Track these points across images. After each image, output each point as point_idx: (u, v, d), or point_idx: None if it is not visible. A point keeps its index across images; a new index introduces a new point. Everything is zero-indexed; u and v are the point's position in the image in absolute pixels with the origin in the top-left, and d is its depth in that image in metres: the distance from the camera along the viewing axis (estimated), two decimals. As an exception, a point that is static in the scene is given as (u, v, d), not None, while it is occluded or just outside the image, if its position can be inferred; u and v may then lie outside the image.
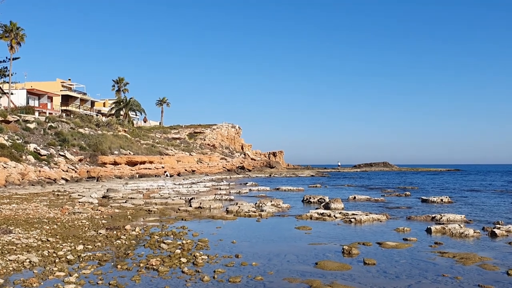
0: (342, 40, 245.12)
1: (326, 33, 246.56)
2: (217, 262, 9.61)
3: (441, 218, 16.95)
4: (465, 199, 27.73)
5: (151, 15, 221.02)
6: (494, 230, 13.92)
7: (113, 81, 76.59)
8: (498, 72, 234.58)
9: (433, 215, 17.61)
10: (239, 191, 30.82)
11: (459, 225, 14.64)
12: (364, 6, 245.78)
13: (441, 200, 25.08)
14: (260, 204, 20.74)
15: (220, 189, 33.43)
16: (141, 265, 9.16)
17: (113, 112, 72.59)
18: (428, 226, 14.66)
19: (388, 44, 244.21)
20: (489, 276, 8.83)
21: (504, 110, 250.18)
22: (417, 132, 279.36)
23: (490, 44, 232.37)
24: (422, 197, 26.63)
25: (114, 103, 74.69)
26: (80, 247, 10.60)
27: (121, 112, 71.95)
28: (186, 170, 57.67)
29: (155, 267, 8.98)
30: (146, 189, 32.07)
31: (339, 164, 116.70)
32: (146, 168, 49.12)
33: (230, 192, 29.76)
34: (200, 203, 20.76)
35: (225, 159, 75.43)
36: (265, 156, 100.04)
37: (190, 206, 20.71)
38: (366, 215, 17.28)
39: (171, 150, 62.06)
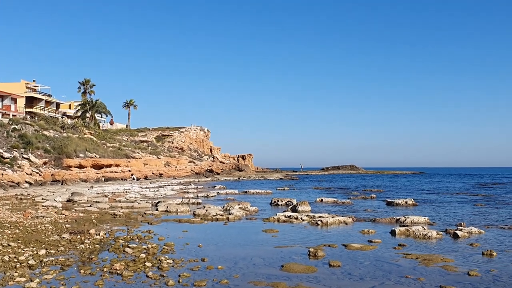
0: (311, 42, 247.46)
1: (296, 34, 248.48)
2: (183, 266, 9.53)
3: (405, 220, 17.24)
4: (429, 202, 28.28)
5: (117, 16, 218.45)
6: (456, 232, 14.23)
7: (79, 83, 75.45)
8: (464, 76, 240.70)
9: (398, 217, 17.91)
10: (207, 195, 30.68)
11: (423, 227, 14.92)
12: (325, 7, 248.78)
13: (406, 202, 25.52)
14: (228, 208, 20.70)
15: (187, 192, 33.25)
16: (105, 269, 9.01)
17: (79, 114, 71.41)
18: (393, 228, 14.88)
19: (356, 46, 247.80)
20: (450, 277, 9.01)
21: (469, 115, 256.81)
22: (383, 135, 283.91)
23: (454, 48, 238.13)
24: (387, 200, 27.04)
25: (80, 105, 73.44)
26: (43, 251, 10.36)
27: (87, 115, 70.80)
28: (153, 173, 57.06)
29: (119, 272, 8.85)
30: (112, 192, 31.59)
31: (302, 166, 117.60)
32: (112, 172, 48.40)
33: (197, 196, 29.60)
34: (167, 207, 20.58)
35: (194, 162, 75.02)
36: (234, 159, 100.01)
37: (157, 209, 20.50)
38: (333, 218, 17.44)
39: (138, 153, 61.36)
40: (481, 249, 11.85)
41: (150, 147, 70.93)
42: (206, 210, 19.28)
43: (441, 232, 14.46)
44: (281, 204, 24.41)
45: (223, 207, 21.03)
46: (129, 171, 51.33)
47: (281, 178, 73.66)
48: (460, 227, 15.45)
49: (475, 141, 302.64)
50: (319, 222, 16.69)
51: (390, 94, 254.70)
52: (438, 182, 62.92)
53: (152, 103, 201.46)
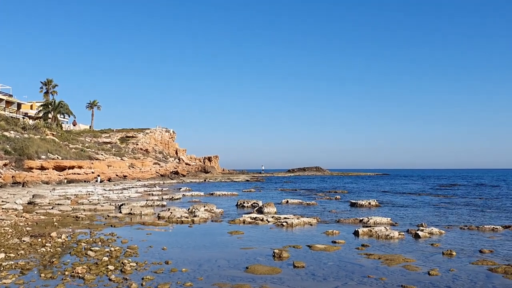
0: (275, 41, 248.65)
1: (262, 34, 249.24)
2: (146, 269, 9.42)
3: (369, 221, 17.52)
4: (391, 202, 28.78)
5: (81, 15, 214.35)
6: (418, 232, 14.55)
7: (41, 83, 73.72)
8: (426, 76, 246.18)
9: (361, 218, 18.20)
10: (172, 197, 30.43)
11: (385, 227, 15.19)
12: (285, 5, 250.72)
13: (369, 203, 25.93)
14: (193, 210, 20.58)
15: (152, 194, 32.89)
16: (66, 273, 8.83)
17: (40, 115, 69.67)
18: (356, 229, 15.10)
19: (317, 44, 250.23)
20: (411, 276, 9.20)
21: (429, 116, 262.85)
22: (348, 137, 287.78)
23: (421, 49, 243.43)
24: (351, 201, 27.41)
25: (42, 105, 71.66)
26: (2, 255, 10.08)
27: (49, 115, 69.17)
28: (117, 175, 56.23)
29: (81, 275, 8.68)
30: (75, 195, 30.98)
31: (263, 168, 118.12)
32: (75, 173, 47.44)
33: (162, 198, 29.32)
34: (131, 209, 20.32)
35: (159, 164, 74.27)
36: (200, 161, 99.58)
37: (120, 212, 20.22)
38: (298, 219, 17.57)
39: (102, 154, 60.35)
40: (442, 249, 12.13)
41: (114, 149, 69.86)
42: (171, 213, 19.13)
43: (403, 233, 14.75)
44: (247, 206, 24.44)
45: (188, 209, 20.91)
46: (93, 173, 50.43)
47: (247, 180, 73.76)
48: (421, 228, 15.80)
49: (436, 143, 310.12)
50: (284, 224, 16.79)
51: (355, 95, 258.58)
52: (400, 183, 64.16)
53: (116, 104, 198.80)
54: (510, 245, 13.04)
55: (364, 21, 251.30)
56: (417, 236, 14.25)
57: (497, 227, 16.24)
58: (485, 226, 16.48)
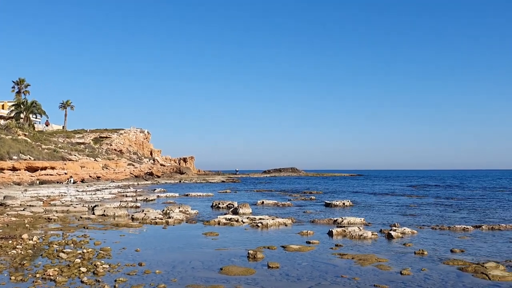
0: (245, 42, 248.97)
1: (231, 34, 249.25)
2: (119, 271, 9.34)
3: (343, 221, 17.70)
4: (365, 203, 29.12)
5: (53, 14, 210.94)
6: (391, 232, 14.75)
7: (13, 82, 72.53)
8: (397, 77, 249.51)
9: (335, 219, 18.36)
10: (146, 198, 30.18)
11: (359, 227, 15.36)
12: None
13: (343, 203, 26.18)
14: (168, 211, 20.45)
15: (126, 196, 32.55)
16: (38, 275, 8.69)
17: (12, 115, 68.33)
18: (330, 229, 15.23)
19: (285, 44, 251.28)
20: (384, 276, 9.33)
21: (401, 117, 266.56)
22: (324, 138, 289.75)
23: (382, 49, 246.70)
24: (326, 201, 27.63)
25: (13, 105, 70.28)
26: (-31, 259, 9.88)
27: (22, 115, 67.92)
28: (90, 176, 55.47)
29: (52, 278, 8.56)
30: (47, 196, 30.46)
31: (237, 170, 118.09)
32: (47, 174, 46.66)
33: (136, 199, 29.04)
34: (104, 211, 20.10)
35: (133, 165, 73.56)
36: (175, 162, 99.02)
37: (93, 213, 19.98)
38: (273, 220, 17.64)
39: (75, 155, 59.49)
40: (414, 248, 12.33)
41: (87, 149, 68.91)
42: (145, 214, 19.00)
43: (376, 233, 14.95)
44: (222, 207, 24.41)
45: (163, 210, 20.76)
46: (66, 174, 49.67)
47: (223, 181, 73.69)
48: (394, 228, 16.03)
49: (411, 144, 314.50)
50: (259, 224, 16.83)
51: (330, 96, 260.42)
52: (374, 184, 64.93)
53: (90, 104, 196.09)
54: (480, 244, 13.32)
55: (322, 19, 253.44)
56: (390, 236, 14.44)
57: (468, 227, 16.58)
58: (456, 226, 16.80)
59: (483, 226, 16.82)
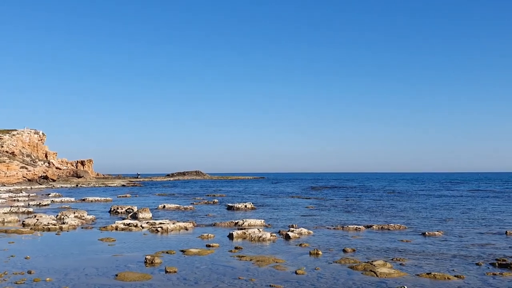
0: (154, 41, 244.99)
1: (142, 32, 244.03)
2: (6, 280, 8.75)
3: (243, 223, 17.91)
4: (266, 205, 29.72)
5: None
6: (288, 233, 15.15)
7: None
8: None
9: (236, 221, 18.54)
10: (40, 203, 28.58)
11: (258, 229, 15.60)
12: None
13: (245, 206, 26.51)
14: (62, 216, 19.53)
15: (17, 200, 30.70)
16: None
17: None
18: (231, 232, 15.33)
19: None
20: (280, 276, 9.54)
21: (302, 119, 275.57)
22: (229, 140, 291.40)
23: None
24: (229, 204, 27.83)
25: None
26: None
27: None
28: (-22, 181, 51.55)
29: None
30: None
31: (139, 174, 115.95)
32: None
33: (29, 204, 27.45)
34: (-9, 217, 18.74)
35: (26, 168, 69.33)
36: (72, 165, 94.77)
37: (-21, 221, 18.55)
38: (173, 224, 17.42)
39: (-40, 158, 54.97)
40: (309, 248, 12.77)
41: (-26, 152, 63.97)
42: (37, 220, 18.00)
43: (275, 234, 15.28)
44: (121, 212, 23.74)
45: (57, 216, 19.82)
46: None
47: (123, 185, 71.60)
48: (292, 229, 16.48)
49: (312, 147, 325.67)
50: (159, 229, 16.55)
51: (239, 97, 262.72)
52: (276, 186, 66.48)
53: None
54: (370, 243, 14.07)
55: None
56: (287, 237, 14.82)
57: (360, 227, 17.46)
58: (349, 226, 17.63)
59: (373, 226, 17.79)
